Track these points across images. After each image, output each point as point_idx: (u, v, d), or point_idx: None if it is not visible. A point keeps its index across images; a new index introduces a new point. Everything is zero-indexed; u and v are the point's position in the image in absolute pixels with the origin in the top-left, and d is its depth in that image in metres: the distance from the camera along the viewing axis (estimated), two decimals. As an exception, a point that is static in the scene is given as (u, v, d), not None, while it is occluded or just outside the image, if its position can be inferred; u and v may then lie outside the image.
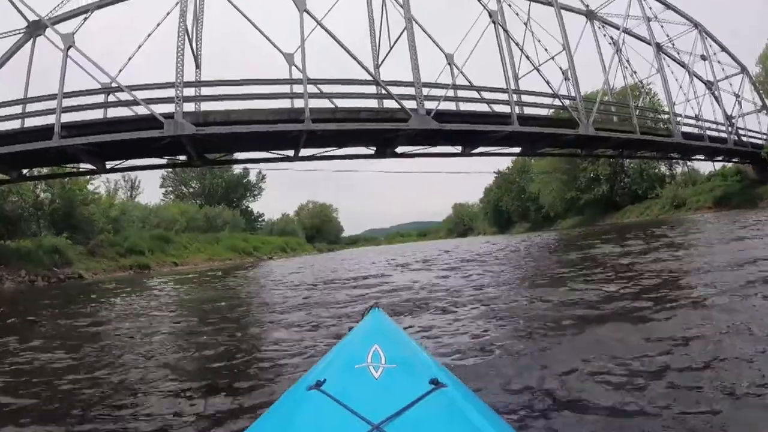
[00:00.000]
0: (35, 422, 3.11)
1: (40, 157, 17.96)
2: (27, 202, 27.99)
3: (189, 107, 17.10)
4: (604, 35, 27.94)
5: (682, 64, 32.65)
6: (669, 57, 31.88)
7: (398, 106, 17.97)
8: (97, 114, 17.69)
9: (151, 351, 5.04)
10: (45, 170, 24.13)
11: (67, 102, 17.12)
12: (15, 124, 17.72)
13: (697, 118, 31.54)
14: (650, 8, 29.84)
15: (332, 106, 17.68)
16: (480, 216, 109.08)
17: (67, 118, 17.06)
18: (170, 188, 78.36)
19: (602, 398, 2.82)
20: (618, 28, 28.29)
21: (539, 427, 2.60)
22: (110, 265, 27.20)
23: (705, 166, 52.73)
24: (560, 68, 24.73)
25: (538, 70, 22.81)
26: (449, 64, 19.98)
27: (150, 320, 7.35)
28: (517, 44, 23.07)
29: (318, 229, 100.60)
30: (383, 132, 18.06)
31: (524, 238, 30.70)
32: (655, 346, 3.59)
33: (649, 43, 29.78)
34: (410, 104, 18.15)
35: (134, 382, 3.88)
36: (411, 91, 18.46)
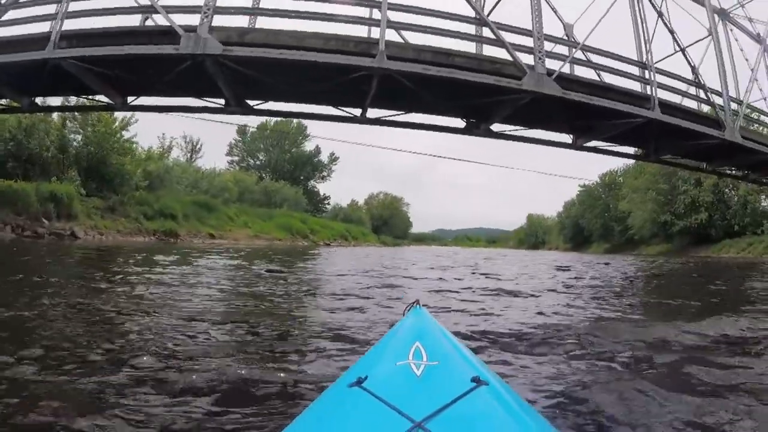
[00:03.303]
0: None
1: (37, 75, 13.73)
2: (52, 142, 24.47)
3: (226, 22, 12.79)
4: (736, 40, 22.77)
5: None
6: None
7: (508, 58, 13.08)
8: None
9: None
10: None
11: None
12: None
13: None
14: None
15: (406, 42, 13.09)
16: (555, 230, 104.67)
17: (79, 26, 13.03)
18: (237, 158, 77.25)
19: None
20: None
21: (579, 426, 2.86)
22: (128, 226, 23.60)
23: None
24: (692, 64, 19.59)
25: (683, 51, 17.71)
26: (567, 36, 15.35)
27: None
28: (660, 14, 17.91)
29: (386, 221, 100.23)
30: (487, 90, 13.14)
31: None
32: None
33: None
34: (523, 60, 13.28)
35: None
36: (523, 42, 13.70)
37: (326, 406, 1.86)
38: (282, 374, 3.68)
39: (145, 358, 3.98)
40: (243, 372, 3.75)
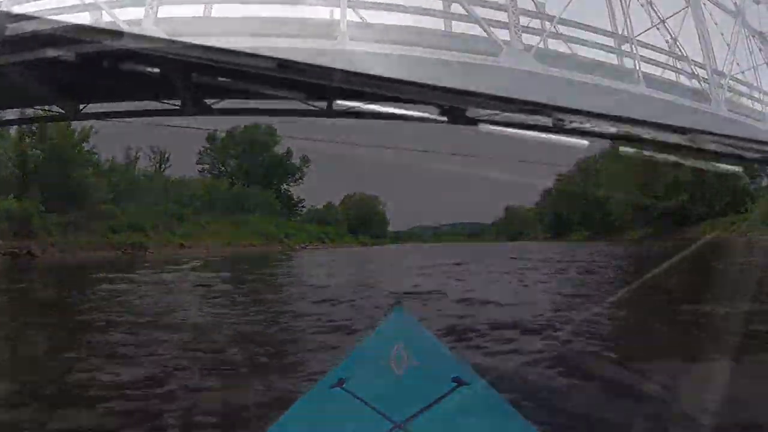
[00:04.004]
0: None
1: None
2: (10, 159, 23.63)
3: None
4: (710, 14, 22.68)
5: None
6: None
7: (480, 34, 12.40)
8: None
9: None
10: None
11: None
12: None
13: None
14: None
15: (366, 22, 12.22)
16: (534, 221, 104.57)
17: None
18: (207, 165, 75.80)
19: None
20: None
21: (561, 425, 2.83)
22: (93, 241, 22.88)
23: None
24: (672, 36, 19.36)
25: (663, 22, 17.49)
26: (539, 14, 14.53)
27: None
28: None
29: (363, 221, 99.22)
30: (461, 70, 12.37)
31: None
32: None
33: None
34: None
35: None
36: (496, 17, 12.93)
37: (308, 407, 1.86)
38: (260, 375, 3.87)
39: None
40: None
